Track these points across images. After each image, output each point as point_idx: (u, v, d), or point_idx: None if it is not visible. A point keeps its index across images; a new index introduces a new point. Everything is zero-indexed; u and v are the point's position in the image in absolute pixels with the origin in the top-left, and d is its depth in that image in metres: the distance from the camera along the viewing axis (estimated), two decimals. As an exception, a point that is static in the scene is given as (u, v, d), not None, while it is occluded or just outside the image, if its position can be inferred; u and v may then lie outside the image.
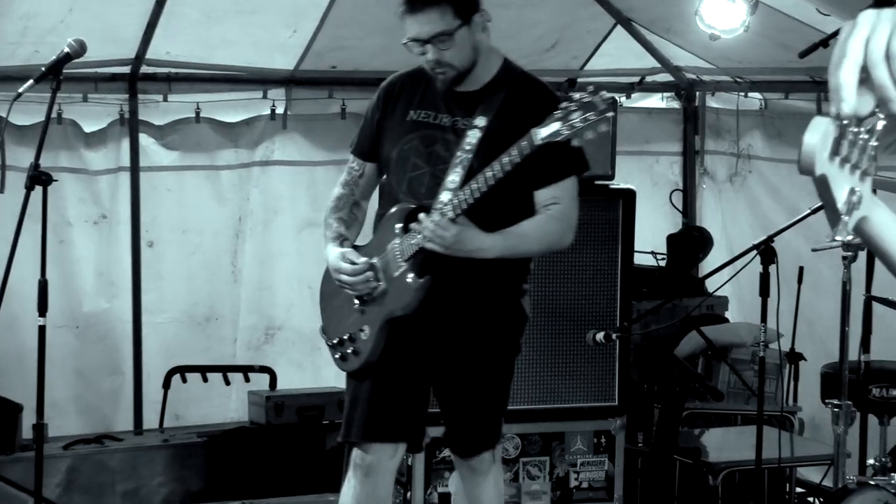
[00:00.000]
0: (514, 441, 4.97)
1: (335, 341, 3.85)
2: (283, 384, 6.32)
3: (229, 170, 6.46)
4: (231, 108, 6.41)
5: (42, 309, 4.46)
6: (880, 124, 1.43)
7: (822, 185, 1.40)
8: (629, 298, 5.08)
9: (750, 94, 6.86)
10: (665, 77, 7.11)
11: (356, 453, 3.81)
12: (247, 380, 6.33)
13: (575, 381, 5.02)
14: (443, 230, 3.50)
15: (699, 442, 5.58)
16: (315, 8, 5.96)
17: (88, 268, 6.17)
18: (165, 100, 6.25)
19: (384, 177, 3.88)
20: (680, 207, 7.25)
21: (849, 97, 1.36)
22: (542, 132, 3.39)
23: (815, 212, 4.50)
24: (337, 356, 3.85)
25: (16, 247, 4.29)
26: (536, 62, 6.10)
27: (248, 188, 6.48)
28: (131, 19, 5.78)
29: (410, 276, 3.63)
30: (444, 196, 3.58)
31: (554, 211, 3.68)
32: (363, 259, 3.71)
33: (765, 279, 4.58)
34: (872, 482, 4.37)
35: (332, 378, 6.41)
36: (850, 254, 4.43)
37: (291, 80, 6.44)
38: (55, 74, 4.25)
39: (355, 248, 3.80)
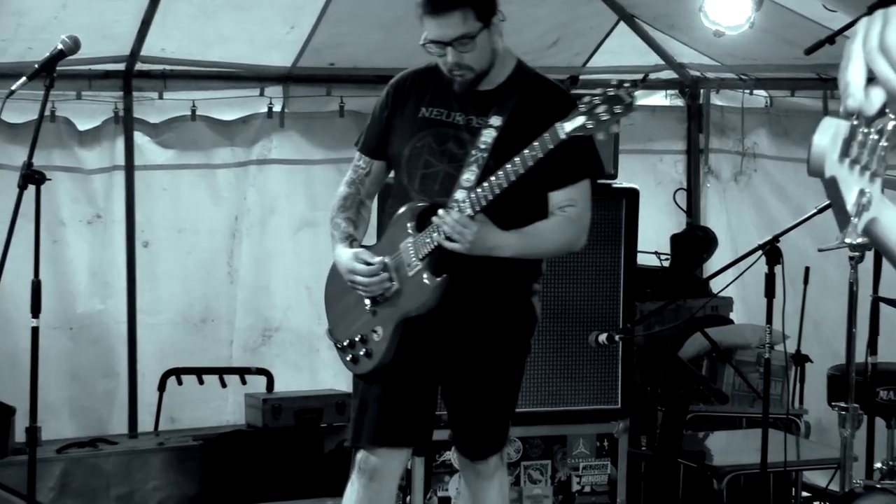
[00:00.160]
0: (515, 444, 4.97)
1: (345, 343, 3.84)
2: (280, 386, 6.32)
3: (226, 168, 6.46)
4: (227, 105, 6.41)
5: (35, 310, 4.46)
6: (891, 125, 1.43)
7: (832, 187, 1.40)
8: (632, 299, 5.08)
9: (755, 92, 6.85)
10: (669, 74, 7.11)
11: (361, 456, 3.81)
12: (243, 382, 6.33)
13: (577, 384, 5.01)
14: (463, 227, 3.51)
15: (703, 445, 5.58)
16: (313, 4, 5.96)
17: (82, 268, 6.17)
18: (160, 97, 6.25)
19: (393, 175, 3.88)
20: (684, 207, 7.25)
21: (856, 93, 1.37)
22: (567, 126, 3.42)
23: (821, 211, 4.50)
24: (348, 358, 3.85)
25: (9, 247, 4.30)
26: (538, 59, 6.09)
27: (244, 187, 6.48)
28: (126, 15, 5.78)
29: (427, 275, 3.64)
30: (459, 194, 3.59)
31: (570, 213, 3.71)
32: (377, 259, 3.71)
33: (770, 280, 4.57)
34: (880, 486, 4.37)
35: (331, 380, 6.43)
36: (857, 254, 4.43)
37: (289, 78, 6.44)
38: (48, 71, 4.25)
39: (364, 248, 3.80)
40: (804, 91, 6.47)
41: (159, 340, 6.32)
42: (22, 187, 4.31)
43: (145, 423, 6.23)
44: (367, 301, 3.76)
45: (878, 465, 4.66)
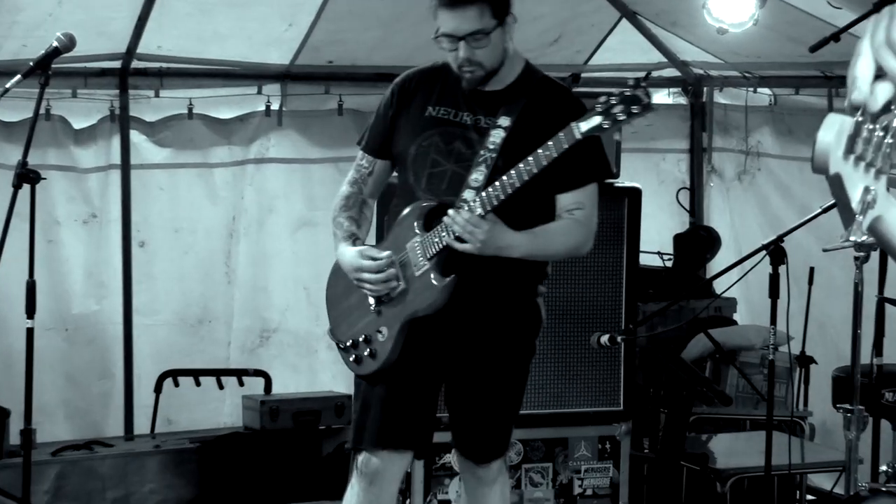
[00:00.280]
0: (516, 447, 4.96)
1: (348, 343, 3.84)
2: (278, 388, 6.32)
3: (223, 167, 6.46)
4: (225, 103, 6.41)
5: (30, 311, 4.46)
6: (896, 122, 1.43)
7: (836, 184, 1.40)
8: (634, 300, 5.08)
9: (759, 90, 6.85)
10: (672, 72, 7.10)
11: (361, 459, 3.81)
12: (241, 384, 6.33)
13: (579, 385, 5.01)
14: (474, 226, 3.52)
15: (707, 448, 5.58)
16: (311, 1, 5.96)
17: (78, 268, 6.17)
18: (157, 95, 6.24)
19: (398, 174, 3.89)
20: (687, 206, 7.25)
21: (862, 86, 1.37)
22: (583, 125, 3.45)
23: (826, 211, 4.50)
24: (351, 359, 3.85)
25: (3, 247, 4.29)
26: (539, 57, 6.08)
27: (242, 186, 6.48)
28: (122, 13, 5.78)
29: (435, 275, 3.64)
30: (468, 194, 3.60)
31: (578, 216, 3.73)
32: (385, 253, 3.71)
33: (774, 280, 4.58)
34: (885, 489, 4.37)
35: (329, 382, 6.43)
36: (862, 254, 4.42)
37: (287, 76, 6.44)
38: (43, 69, 4.25)
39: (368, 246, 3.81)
40: (809, 89, 6.46)
41: (155, 341, 6.32)
42: (17, 186, 4.31)
43: (141, 425, 6.23)
44: (372, 301, 3.77)
45: (883, 467, 4.66)
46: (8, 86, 4.24)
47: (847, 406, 4.50)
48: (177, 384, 6.21)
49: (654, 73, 7.03)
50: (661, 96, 7.27)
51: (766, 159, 6.93)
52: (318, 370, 6.56)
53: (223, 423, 6.37)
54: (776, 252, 4.57)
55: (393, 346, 3.73)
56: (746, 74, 6.80)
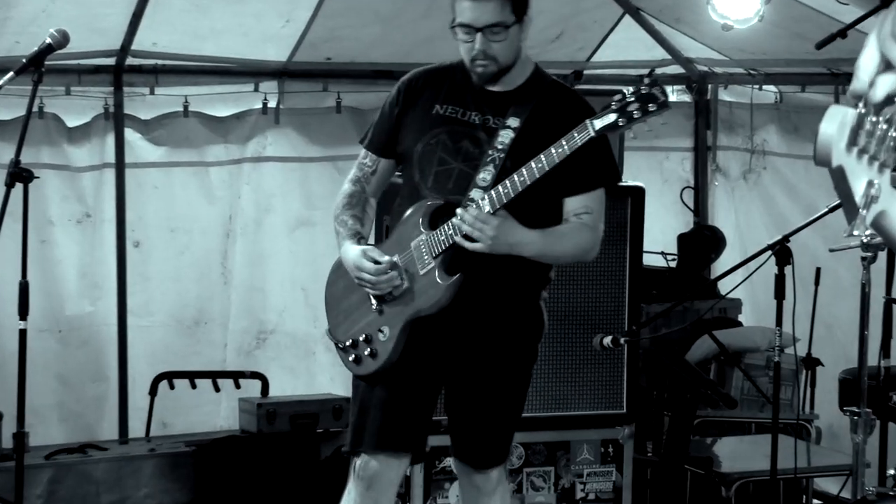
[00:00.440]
0: (517, 451, 4.97)
1: (347, 343, 3.84)
2: (275, 391, 6.32)
3: (219, 166, 6.47)
4: (221, 101, 6.42)
5: (23, 312, 4.46)
6: (900, 114, 1.43)
7: (839, 177, 1.40)
8: (638, 301, 5.08)
9: (765, 87, 6.86)
10: (675, 69, 7.11)
11: (359, 463, 3.81)
12: (237, 386, 6.33)
13: (581, 388, 5.02)
14: (484, 223, 3.52)
15: (711, 451, 5.58)
16: (309, -3, 5.97)
17: (71, 269, 6.18)
18: (152, 93, 6.25)
19: (402, 172, 3.89)
20: (691, 206, 7.26)
21: (862, 76, 1.37)
22: (598, 123, 3.48)
23: (832, 210, 4.50)
24: (350, 358, 3.85)
25: (-5, 247, 4.30)
26: (541, 54, 6.09)
27: (238, 185, 6.49)
28: (116, 8, 5.79)
29: (440, 274, 3.65)
30: (475, 193, 3.62)
31: (586, 220, 3.75)
32: (386, 258, 3.71)
33: (780, 281, 4.58)
34: (893, 493, 4.37)
35: (327, 384, 6.43)
36: (869, 254, 4.42)
37: (284, 73, 6.44)
38: (37, 66, 4.25)
39: (372, 245, 3.81)
40: (815, 86, 6.47)
41: (151, 343, 6.32)
42: (9, 185, 4.31)
43: (136, 428, 6.24)
44: (374, 300, 3.77)
45: (891, 471, 4.66)
46: (0, 83, 4.24)
47: (854, 409, 4.50)
48: (172, 386, 6.21)
49: (658, 71, 7.04)
50: (664, 94, 7.27)
51: (771, 158, 6.93)
52: (315, 372, 6.56)
53: (219, 427, 6.37)
54: (782, 252, 4.57)
55: (394, 346, 3.73)
56: (752, 72, 6.80)
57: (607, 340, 4.56)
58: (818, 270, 5.62)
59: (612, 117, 3.46)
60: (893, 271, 4.85)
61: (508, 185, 3.54)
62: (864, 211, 1.42)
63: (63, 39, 4.28)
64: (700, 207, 7.27)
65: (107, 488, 5.76)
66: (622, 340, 4.61)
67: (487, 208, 3.56)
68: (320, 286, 4.02)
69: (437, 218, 3.68)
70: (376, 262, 3.70)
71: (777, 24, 5.84)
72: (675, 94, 7.28)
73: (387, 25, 6.21)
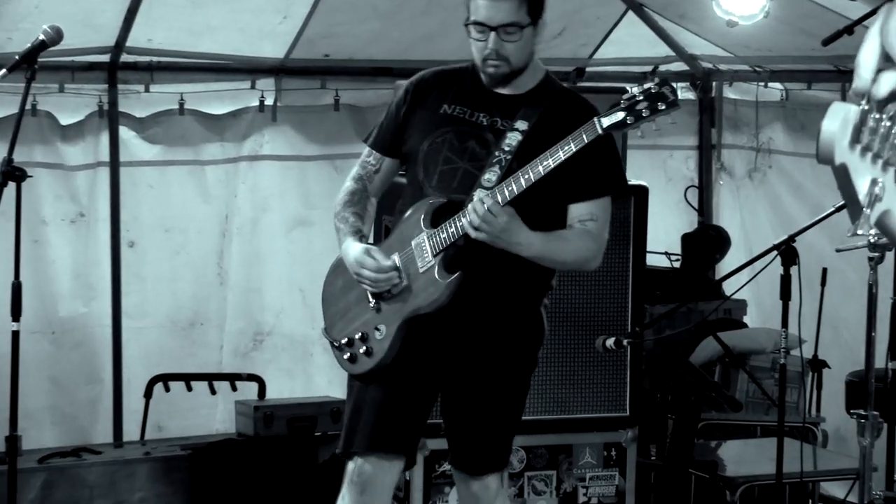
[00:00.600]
0: (518, 454, 4.97)
1: (343, 341, 3.84)
2: (272, 393, 6.32)
3: (215, 165, 6.47)
4: (217, 99, 6.42)
5: (15, 313, 4.46)
6: (903, 111, 1.43)
7: (842, 175, 1.40)
8: (641, 302, 5.08)
9: (770, 85, 6.86)
10: (679, 66, 7.11)
11: (353, 466, 3.80)
12: (234, 388, 6.33)
13: (584, 390, 5.02)
14: (492, 215, 3.53)
15: (716, 455, 5.59)
16: (306, -7, 5.98)
17: (65, 269, 6.18)
18: (147, 90, 6.25)
19: (406, 171, 3.90)
20: (695, 205, 7.26)
21: (863, 73, 1.37)
22: (606, 121, 3.49)
23: (839, 209, 4.50)
24: (345, 357, 3.85)
25: (-12, 247, 4.31)
26: (542, 50, 6.02)
27: (235, 184, 6.49)
28: (111, 4, 5.79)
29: (440, 272, 3.65)
30: (479, 194, 3.62)
31: (591, 227, 3.76)
32: (387, 262, 3.72)
33: (786, 281, 4.58)
34: (900, 497, 4.38)
35: (325, 387, 6.43)
36: (876, 254, 4.42)
37: (281, 70, 6.45)
38: (30, 63, 4.25)
39: (374, 244, 3.82)
40: (821, 84, 6.48)
41: (145, 345, 6.32)
42: (2, 185, 4.31)
43: (131, 431, 6.24)
44: (372, 298, 3.77)
45: (898, 475, 4.67)
46: (-7, 80, 4.25)
47: (861, 412, 4.50)
48: (167, 389, 6.22)
49: (662, 68, 7.05)
50: (668, 91, 7.27)
51: (777, 156, 6.94)
52: (313, 374, 6.56)
53: (215, 430, 6.37)
54: (788, 252, 4.58)
55: (391, 345, 3.73)
56: (757, 68, 6.81)
57: (610, 342, 4.56)
58: (825, 271, 5.62)
59: (620, 115, 3.48)
60: (901, 272, 4.85)
61: (513, 182, 3.56)
62: (868, 210, 1.41)
63: (56, 36, 4.28)
64: (704, 207, 7.27)
65: (101, 492, 5.76)
66: (625, 342, 4.61)
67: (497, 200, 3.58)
68: (318, 287, 4.02)
69: (438, 216, 3.69)
70: (377, 261, 3.71)
71: (783, 20, 5.85)
72: (679, 91, 7.27)
73: (385, 22, 6.21)
